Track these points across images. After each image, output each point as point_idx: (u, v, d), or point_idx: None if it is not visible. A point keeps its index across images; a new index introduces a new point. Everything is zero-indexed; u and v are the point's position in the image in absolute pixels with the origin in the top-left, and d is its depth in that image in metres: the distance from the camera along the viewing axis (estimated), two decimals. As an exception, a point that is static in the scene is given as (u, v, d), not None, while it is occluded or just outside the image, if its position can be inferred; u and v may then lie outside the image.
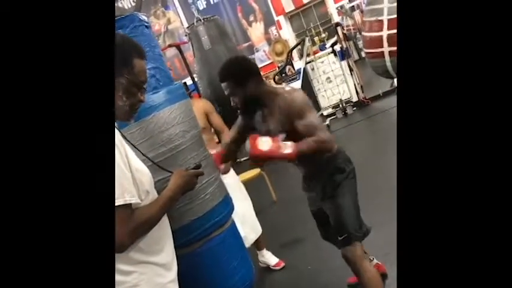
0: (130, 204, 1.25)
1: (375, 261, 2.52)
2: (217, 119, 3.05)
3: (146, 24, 1.77)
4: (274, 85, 7.53)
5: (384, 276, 2.41)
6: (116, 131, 1.30)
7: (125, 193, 1.22)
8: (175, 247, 1.48)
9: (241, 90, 1.98)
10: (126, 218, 1.24)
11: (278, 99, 1.98)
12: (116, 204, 1.20)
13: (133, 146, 1.46)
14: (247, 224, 2.99)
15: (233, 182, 2.97)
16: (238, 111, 2.10)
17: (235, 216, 2.84)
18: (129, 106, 1.38)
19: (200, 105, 2.98)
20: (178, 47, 5.85)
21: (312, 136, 1.87)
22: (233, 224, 1.91)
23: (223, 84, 2.01)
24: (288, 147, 1.81)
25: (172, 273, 1.42)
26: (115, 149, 1.22)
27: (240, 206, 2.94)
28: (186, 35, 3.63)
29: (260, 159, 1.86)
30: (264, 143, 1.79)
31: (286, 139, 1.92)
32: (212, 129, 3.08)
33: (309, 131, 1.89)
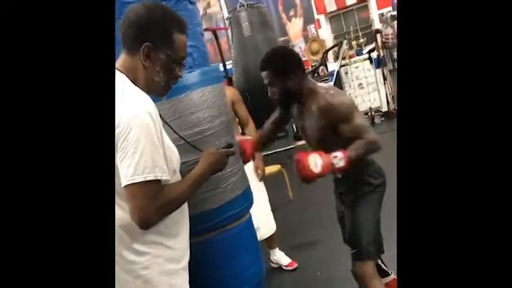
0: (160, 180, 1.21)
1: (393, 275, 2.39)
2: (243, 110, 2.97)
3: (191, -1, 1.71)
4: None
5: None
6: (153, 104, 1.26)
7: (156, 168, 1.18)
8: (192, 233, 1.43)
9: (281, 82, 1.90)
10: (154, 194, 1.20)
11: (319, 99, 1.90)
12: (147, 178, 1.17)
13: (167, 124, 1.42)
14: (262, 218, 2.93)
15: (253, 173, 2.91)
16: (274, 101, 2.02)
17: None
18: (165, 82, 1.33)
19: (228, 93, 2.90)
20: (214, 32, 5.80)
21: (360, 139, 1.79)
22: (250, 218, 1.85)
23: (263, 73, 1.93)
24: (339, 160, 1.73)
25: (185, 260, 1.38)
26: (150, 123, 1.18)
27: (256, 197, 2.88)
28: (227, 19, 3.54)
29: (312, 180, 1.78)
30: (315, 164, 1.71)
31: (325, 140, 1.89)
32: (236, 120, 2.99)
33: (356, 134, 1.81)
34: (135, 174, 1.15)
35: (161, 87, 1.34)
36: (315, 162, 1.71)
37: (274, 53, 1.98)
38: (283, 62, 1.92)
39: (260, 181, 2.99)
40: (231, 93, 2.90)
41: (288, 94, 1.93)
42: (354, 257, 1.98)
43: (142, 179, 1.16)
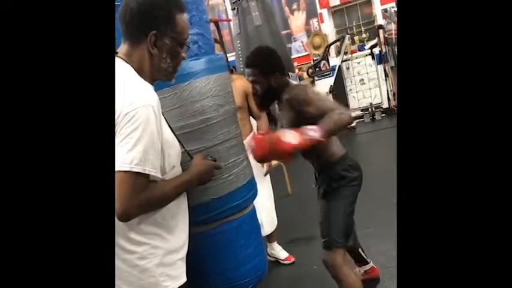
0: (148, 175, 1.18)
1: (371, 264, 2.53)
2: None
3: (197, -14, 1.67)
4: (307, 77, 7.46)
5: (375, 280, 2.48)
6: (157, 98, 1.23)
7: (146, 162, 1.16)
8: (192, 224, 1.42)
9: (265, 79, 2.00)
10: (140, 187, 1.17)
11: (286, 94, 1.99)
12: (133, 169, 1.14)
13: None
14: (266, 214, 2.91)
15: (258, 170, 2.87)
16: (256, 99, 2.12)
17: (255, 204, 2.78)
18: (173, 67, 1.31)
19: (241, 84, 2.83)
20: (216, 23, 5.76)
21: (329, 112, 1.78)
22: (253, 210, 1.83)
23: (248, 70, 2.03)
24: (313, 131, 1.70)
25: (183, 251, 1.37)
26: (151, 117, 1.16)
27: (261, 194, 2.86)
28: (233, 9, 3.49)
29: (294, 153, 1.74)
30: (291, 137, 1.67)
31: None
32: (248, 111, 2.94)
33: (325, 109, 1.81)
34: (123, 162, 1.13)
35: (169, 72, 1.32)
36: (289, 135, 1.68)
37: (260, 52, 2.08)
38: (268, 61, 2.02)
39: (265, 175, 2.97)
40: (244, 83, 2.82)
41: (270, 92, 2.02)
42: (324, 246, 2.07)
43: (129, 169, 1.13)
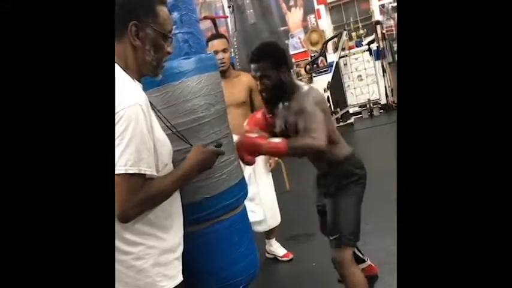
0: (144, 175, 1.18)
1: (368, 262, 2.53)
2: (259, 99, 2.92)
3: (187, -15, 1.67)
4: (304, 74, 7.45)
5: (374, 278, 2.47)
6: (145, 97, 1.23)
7: (141, 162, 1.15)
8: (184, 223, 1.41)
9: (275, 73, 1.94)
10: (135, 187, 1.17)
11: (296, 95, 1.96)
12: (128, 171, 1.13)
13: (158, 113, 1.38)
14: (269, 209, 2.92)
15: (261, 164, 2.88)
16: (264, 95, 2.06)
17: (258, 198, 2.79)
18: (157, 61, 1.30)
19: (246, 79, 2.87)
20: (213, 20, 5.74)
21: (307, 134, 1.82)
22: (244, 209, 1.83)
23: (255, 65, 1.97)
24: (277, 141, 1.78)
25: (179, 250, 1.37)
26: (140, 116, 1.15)
27: (264, 189, 2.88)
28: (229, 7, 3.47)
29: (248, 151, 1.84)
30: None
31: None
32: (250, 106, 2.95)
33: (304, 128, 1.83)
34: (117, 164, 1.12)
35: (154, 66, 1.31)
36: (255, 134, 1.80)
37: (268, 46, 2.05)
38: (277, 54, 1.98)
39: (269, 172, 2.98)
40: (249, 79, 2.84)
41: (280, 87, 1.96)
42: (334, 244, 2.04)
43: (123, 171, 1.13)
